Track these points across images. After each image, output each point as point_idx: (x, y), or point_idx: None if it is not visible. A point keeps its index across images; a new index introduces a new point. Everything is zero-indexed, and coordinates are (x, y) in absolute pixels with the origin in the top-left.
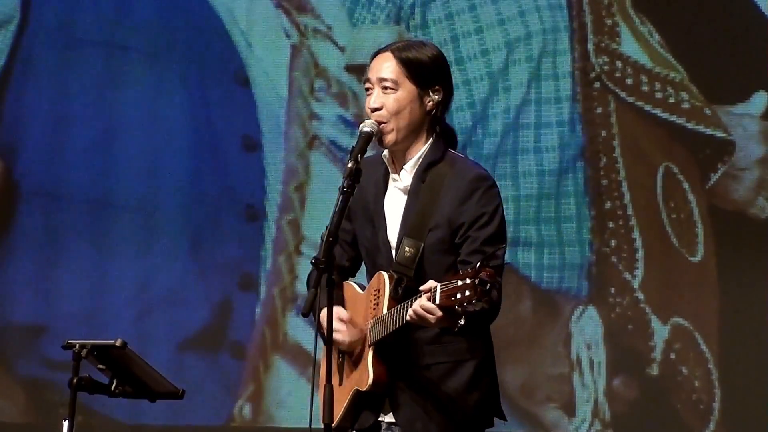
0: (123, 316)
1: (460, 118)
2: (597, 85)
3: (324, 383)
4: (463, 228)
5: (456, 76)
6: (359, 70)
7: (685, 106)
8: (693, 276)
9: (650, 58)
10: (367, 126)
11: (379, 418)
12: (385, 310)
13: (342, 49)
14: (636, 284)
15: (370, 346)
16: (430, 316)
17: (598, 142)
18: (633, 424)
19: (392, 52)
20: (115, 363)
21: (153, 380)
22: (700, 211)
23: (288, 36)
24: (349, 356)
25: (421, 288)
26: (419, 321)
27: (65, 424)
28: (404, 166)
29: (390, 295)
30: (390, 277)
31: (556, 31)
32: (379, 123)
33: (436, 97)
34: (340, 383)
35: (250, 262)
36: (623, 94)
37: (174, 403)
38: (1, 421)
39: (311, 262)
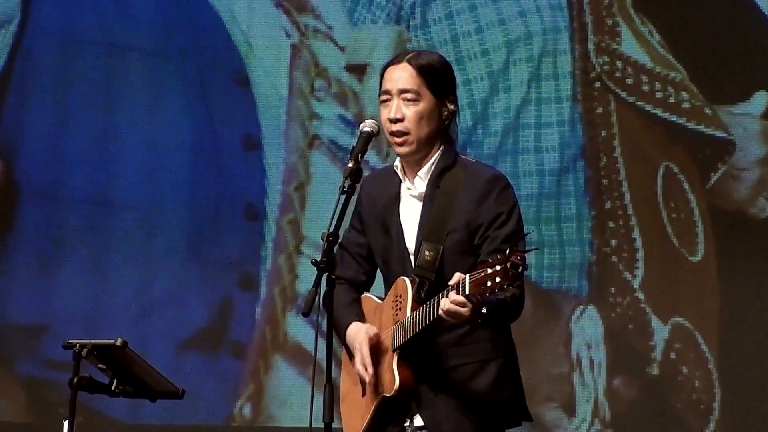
0: (123, 316)
1: (460, 117)
2: (597, 84)
3: (325, 382)
4: (482, 228)
5: (456, 76)
6: (359, 70)
7: (686, 105)
8: (693, 276)
9: (650, 58)
10: (367, 126)
11: (405, 424)
12: (408, 314)
13: (342, 49)
14: (636, 284)
15: (394, 351)
16: (463, 309)
17: (599, 141)
18: (633, 424)
19: (408, 62)
20: (116, 363)
21: (153, 380)
22: (701, 210)
23: (288, 36)
24: (373, 366)
25: (449, 282)
26: (452, 316)
27: (65, 423)
28: (418, 174)
29: (413, 299)
30: (412, 281)
31: (556, 30)
32: (399, 134)
33: (452, 107)
34: (363, 394)
35: (250, 262)
36: (623, 94)
37: (174, 403)
38: (2, 420)
39: (311, 262)
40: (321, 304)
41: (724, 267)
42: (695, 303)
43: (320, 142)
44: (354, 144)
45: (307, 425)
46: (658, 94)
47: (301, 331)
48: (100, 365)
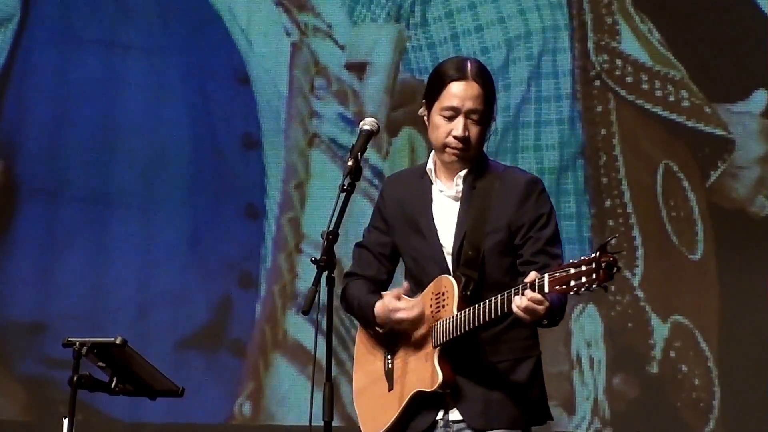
0: (123, 314)
1: None
2: (597, 83)
3: (325, 381)
4: (524, 229)
5: None
6: (359, 68)
7: (685, 104)
8: (693, 274)
9: (650, 57)
10: (367, 124)
11: (437, 417)
12: (454, 311)
13: (342, 48)
14: (636, 282)
15: (435, 348)
16: (539, 306)
17: (598, 140)
18: (633, 422)
19: (475, 80)
20: (115, 361)
21: (153, 378)
22: (700, 209)
23: (288, 34)
24: (403, 360)
25: (525, 280)
26: (528, 313)
27: (65, 422)
28: (457, 175)
29: (459, 297)
30: (457, 280)
31: (556, 29)
32: (460, 149)
33: (495, 119)
34: (390, 389)
35: (250, 260)
36: (623, 92)
37: (174, 401)
38: (2, 419)
39: (311, 261)
40: (322, 302)
41: (723, 265)
42: (695, 301)
43: (320, 140)
44: (354, 142)
45: (307, 423)
46: (658, 93)
47: (300, 329)
48: (100, 363)
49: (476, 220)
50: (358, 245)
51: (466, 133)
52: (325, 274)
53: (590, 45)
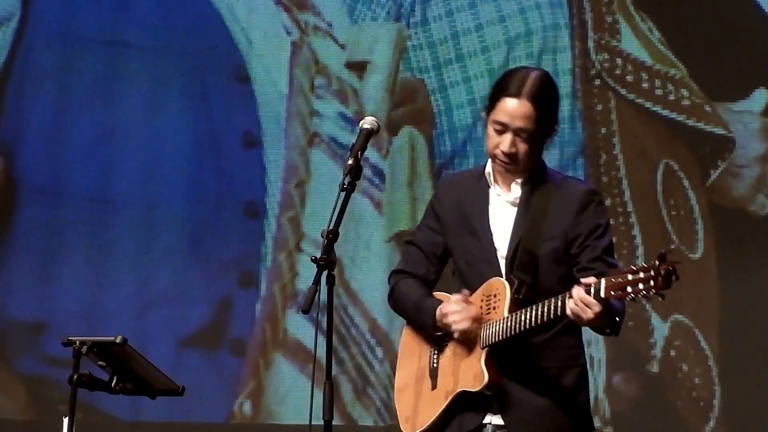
0: (123, 313)
1: (460, 115)
2: (597, 82)
3: (326, 380)
4: (581, 238)
5: (457, 74)
6: (359, 67)
7: (686, 103)
8: (693, 273)
9: (650, 55)
10: (367, 123)
11: (484, 420)
12: (505, 313)
13: (342, 47)
14: None
15: (483, 348)
16: (588, 310)
17: (599, 139)
18: (633, 421)
19: (528, 99)
20: (116, 360)
21: (153, 377)
22: (700, 208)
23: (288, 33)
24: (450, 360)
25: (583, 281)
26: (579, 312)
27: (65, 421)
28: (514, 181)
29: (511, 299)
30: (510, 282)
31: (556, 28)
32: (508, 162)
33: (556, 127)
34: (434, 387)
35: (250, 259)
36: (623, 91)
37: (174, 400)
38: (2, 418)
39: (311, 260)
40: (322, 301)
41: (723, 264)
42: (695, 300)
43: (320, 139)
44: (354, 141)
45: (307, 422)
46: (658, 92)
47: (301, 328)
48: (100, 362)
49: (533, 226)
50: (408, 242)
51: (513, 150)
52: (325, 273)
53: (590, 44)
